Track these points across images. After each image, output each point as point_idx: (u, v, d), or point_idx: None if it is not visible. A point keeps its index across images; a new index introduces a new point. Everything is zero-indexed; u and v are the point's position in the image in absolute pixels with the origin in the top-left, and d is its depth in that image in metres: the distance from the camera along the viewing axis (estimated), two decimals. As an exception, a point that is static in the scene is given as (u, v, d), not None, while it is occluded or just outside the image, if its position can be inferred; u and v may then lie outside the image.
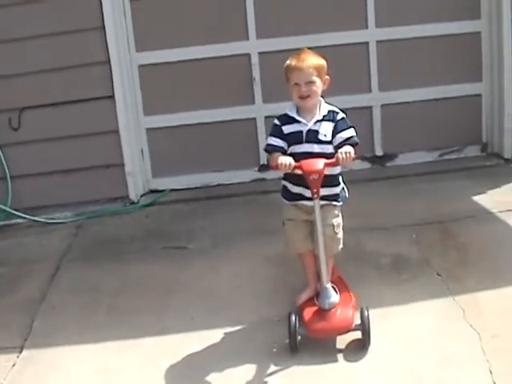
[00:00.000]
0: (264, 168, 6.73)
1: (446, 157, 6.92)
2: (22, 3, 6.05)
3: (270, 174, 6.66)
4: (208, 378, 3.81)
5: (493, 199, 5.78)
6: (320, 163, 3.77)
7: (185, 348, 4.11)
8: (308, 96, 3.93)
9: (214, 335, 4.19)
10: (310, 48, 4.14)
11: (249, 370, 3.81)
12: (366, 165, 6.85)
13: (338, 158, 3.79)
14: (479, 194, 5.91)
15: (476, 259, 4.79)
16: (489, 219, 5.43)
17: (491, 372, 3.59)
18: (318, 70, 3.95)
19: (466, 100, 6.83)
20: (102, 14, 6.17)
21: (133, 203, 6.60)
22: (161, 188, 6.81)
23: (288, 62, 3.99)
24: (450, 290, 4.41)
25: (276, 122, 4.05)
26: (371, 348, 3.86)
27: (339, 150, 3.82)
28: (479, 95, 6.84)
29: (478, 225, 5.34)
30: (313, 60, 3.96)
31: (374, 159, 6.90)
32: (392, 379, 3.66)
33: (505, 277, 4.49)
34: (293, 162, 3.81)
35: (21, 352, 4.30)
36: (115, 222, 6.28)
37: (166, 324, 4.40)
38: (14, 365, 4.18)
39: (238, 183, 6.78)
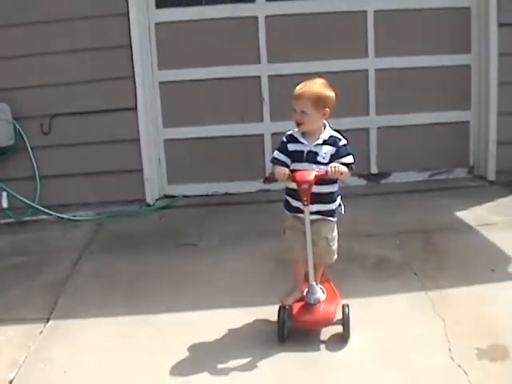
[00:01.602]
0: (269, 180, 7.26)
1: (436, 177, 7.39)
2: (59, 20, 6.68)
3: (273, 186, 7.17)
4: (207, 352, 4.32)
5: (473, 215, 6.30)
6: (311, 175, 4.16)
7: (191, 325, 4.64)
8: (301, 123, 4.22)
9: (218, 316, 4.72)
10: (316, 74, 4.50)
11: (242, 353, 4.24)
12: (362, 181, 7.34)
13: (327, 171, 4.17)
14: (462, 210, 6.41)
15: (451, 264, 5.33)
16: (467, 231, 5.97)
17: (450, 350, 4.13)
18: (316, 102, 4.17)
19: (456, 126, 7.31)
20: (130, 35, 6.78)
21: (148, 206, 7.13)
22: (174, 194, 7.33)
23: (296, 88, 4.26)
24: (423, 286, 4.96)
25: (284, 139, 4.33)
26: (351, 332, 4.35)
27: (329, 165, 4.20)
28: (467, 122, 7.33)
29: (457, 236, 5.88)
30: (313, 91, 4.19)
31: (369, 176, 7.38)
32: (365, 359, 4.15)
33: (473, 278, 5.02)
34: (287, 172, 4.22)
35: (47, 322, 4.82)
36: (132, 222, 6.84)
37: (176, 305, 4.93)
38: (41, 332, 4.70)
39: (245, 193, 7.29)
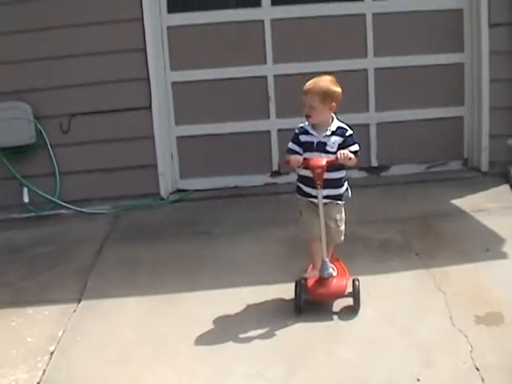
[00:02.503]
0: (276, 174, 7.68)
1: (432, 169, 7.73)
2: (78, 25, 7.07)
3: (280, 179, 7.61)
4: (230, 323, 4.75)
5: (468, 202, 6.71)
6: (323, 160, 4.61)
7: (213, 301, 5.08)
8: (309, 116, 4.66)
9: (237, 293, 5.14)
10: (319, 73, 4.86)
11: (262, 324, 4.68)
12: (363, 174, 7.67)
13: (337, 157, 4.62)
14: (458, 198, 6.81)
15: (449, 244, 5.77)
16: (463, 216, 6.40)
17: (451, 318, 4.58)
18: (323, 97, 4.57)
19: (450, 121, 7.65)
20: (145, 38, 7.17)
21: (162, 199, 7.50)
22: (187, 188, 7.69)
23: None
24: (424, 264, 5.40)
25: (296, 131, 4.75)
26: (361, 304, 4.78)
27: (338, 151, 4.65)
28: (461, 117, 7.67)
29: (454, 220, 6.30)
30: (320, 87, 4.59)
31: (370, 169, 7.73)
32: (374, 327, 4.59)
33: (470, 257, 5.46)
34: (301, 159, 4.67)
35: (79, 302, 5.22)
36: (148, 214, 7.22)
37: (198, 284, 5.35)
38: (74, 310, 5.11)
39: (254, 186, 7.65)
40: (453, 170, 7.76)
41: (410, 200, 6.94)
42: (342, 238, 4.93)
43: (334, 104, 4.63)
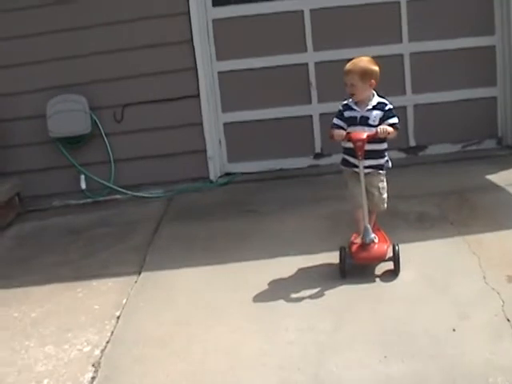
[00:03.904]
0: (318, 156, 8.06)
1: (467, 148, 8.03)
2: (131, 20, 7.52)
3: (323, 161, 7.98)
4: (280, 287, 5.12)
5: (502, 178, 7.00)
6: (364, 134, 5.00)
7: (263, 268, 5.46)
8: (353, 94, 5.02)
9: (285, 261, 5.51)
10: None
11: (310, 286, 5.05)
12: (402, 154, 8.00)
13: (376, 131, 5.01)
14: (492, 174, 7.11)
15: (483, 215, 6.08)
16: (497, 190, 6.70)
17: (485, 278, 4.92)
18: (362, 75, 4.92)
19: (484, 101, 7.95)
20: (191, 31, 7.60)
21: (211, 182, 7.92)
22: (234, 171, 8.11)
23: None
24: (459, 232, 5.72)
25: (340, 107, 5.13)
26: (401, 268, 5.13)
27: (378, 126, 5.04)
28: (495, 97, 7.96)
29: (488, 193, 6.61)
30: (359, 66, 4.94)
31: (408, 150, 8.06)
32: (413, 287, 4.95)
33: (501, 225, 5.77)
34: (344, 133, 5.05)
35: (139, 275, 5.63)
36: (199, 196, 7.64)
37: (248, 255, 5.72)
38: (135, 282, 5.51)
39: (297, 168, 8.04)
40: (487, 149, 8.04)
41: (446, 177, 7.26)
42: (385, 205, 5.27)
43: (373, 81, 4.98)
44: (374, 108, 5.10)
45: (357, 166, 5.14)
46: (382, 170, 5.25)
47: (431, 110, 7.95)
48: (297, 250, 5.71)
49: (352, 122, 5.11)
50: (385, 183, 5.28)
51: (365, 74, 4.98)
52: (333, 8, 7.77)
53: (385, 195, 5.28)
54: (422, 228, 5.95)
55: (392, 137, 5.10)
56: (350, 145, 5.10)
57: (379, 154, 5.20)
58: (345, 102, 5.21)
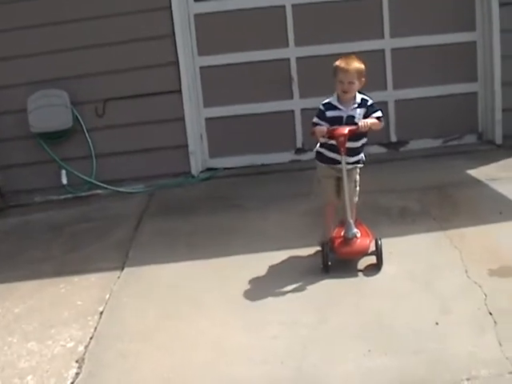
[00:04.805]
0: (300, 151, 8.08)
1: (448, 143, 8.11)
2: (111, 15, 7.50)
3: (304, 156, 7.97)
4: (264, 282, 5.15)
5: (482, 172, 7.07)
6: (346, 129, 5.02)
7: (246, 264, 5.46)
8: (348, 92, 5.07)
9: (268, 256, 5.52)
10: (339, 55, 5.27)
11: (293, 281, 5.07)
12: (383, 149, 8.08)
13: (358, 126, 5.04)
14: (472, 169, 7.18)
15: (464, 209, 6.14)
16: (477, 184, 6.77)
17: (466, 272, 4.96)
18: (359, 74, 5.03)
19: (465, 97, 8.03)
20: (173, 25, 7.59)
21: (193, 177, 7.92)
22: (216, 166, 8.12)
23: (337, 63, 5.06)
24: (441, 227, 5.76)
25: (321, 107, 5.20)
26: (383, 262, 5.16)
27: (360, 120, 5.09)
28: (475, 93, 8.04)
29: (469, 188, 6.68)
30: (356, 65, 5.03)
31: (389, 145, 8.12)
32: (396, 281, 4.98)
33: (483, 220, 5.82)
34: (325, 130, 5.06)
35: (122, 270, 5.63)
36: (181, 191, 7.64)
37: (231, 250, 5.73)
38: (118, 277, 5.52)
39: (279, 163, 8.07)
40: (468, 144, 8.13)
41: (427, 171, 7.31)
42: (357, 198, 5.37)
43: (363, 80, 5.10)
44: (359, 106, 5.16)
45: (337, 162, 5.18)
46: (360, 164, 5.32)
47: (412, 106, 8.01)
48: (280, 245, 5.72)
49: (338, 121, 5.13)
50: (358, 176, 5.35)
51: (361, 73, 5.09)
52: (315, 3, 7.80)
53: (358, 188, 5.36)
54: (404, 223, 5.99)
55: (377, 129, 5.15)
56: (332, 141, 5.12)
57: (360, 150, 5.28)
58: (326, 101, 5.24)
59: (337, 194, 5.32)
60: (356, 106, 5.15)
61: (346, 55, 5.18)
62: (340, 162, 5.13)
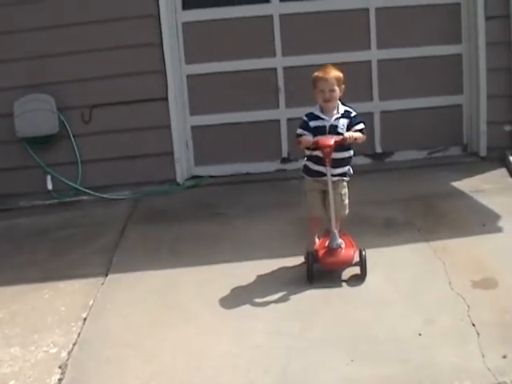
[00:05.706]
0: (285, 160, 8.07)
1: (433, 155, 8.10)
2: (100, 21, 7.47)
3: (290, 166, 7.99)
4: (249, 291, 5.17)
5: (467, 184, 7.10)
6: (331, 140, 5.08)
7: (230, 272, 5.48)
8: (330, 100, 5.14)
9: (253, 265, 5.55)
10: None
11: (278, 290, 5.11)
12: (368, 160, 8.07)
13: (344, 137, 5.11)
14: (457, 180, 7.21)
15: (448, 221, 6.17)
16: (461, 196, 6.80)
17: (450, 283, 5.01)
18: (338, 81, 5.10)
19: (450, 109, 8.03)
20: (161, 33, 7.59)
21: (178, 185, 7.90)
22: (201, 174, 8.09)
23: (316, 73, 5.16)
24: (425, 238, 5.80)
25: (304, 118, 5.27)
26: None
27: (346, 132, 5.15)
28: (460, 105, 8.05)
29: (453, 200, 6.71)
30: (335, 73, 5.12)
31: (374, 156, 8.12)
32: (379, 292, 5.02)
33: (467, 231, 5.87)
34: (311, 140, 5.11)
35: (106, 276, 5.65)
36: (166, 198, 7.60)
37: (215, 258, 5.76)
38: (102, 283, 5.53)
39: (264, 172, 8.05)
40: (453, 156, 8.13)
41: (412, 183, 7.33)
42: (347, 211, 5.37)
43: (343, 87, 5.15)
44: (342, 116, 5.20)
45: (322, 175, 5.22)
46: (346, 177, 5.35)
47: (398, 117, 8.02)
48: (264, 254, 5.76)
49: (321, 131, 5.18)
50: (347, 190, 5.37)
51: (340, 80, 5.16)
52: (302, 14, 7.82)
53: (346, 201, 5.37)
54: (388, 234, 6.02)
55: (360, 142, 5.20)
56: (317, 153, 5.17)
57: (346, 162, 5.30)
58: (309, 112, 5.29)
59: (323, 208, 5.33)
60: (339, 115, 5.19)
61: (323, 66, 5.28)
62: (325, 175, 5.16)
